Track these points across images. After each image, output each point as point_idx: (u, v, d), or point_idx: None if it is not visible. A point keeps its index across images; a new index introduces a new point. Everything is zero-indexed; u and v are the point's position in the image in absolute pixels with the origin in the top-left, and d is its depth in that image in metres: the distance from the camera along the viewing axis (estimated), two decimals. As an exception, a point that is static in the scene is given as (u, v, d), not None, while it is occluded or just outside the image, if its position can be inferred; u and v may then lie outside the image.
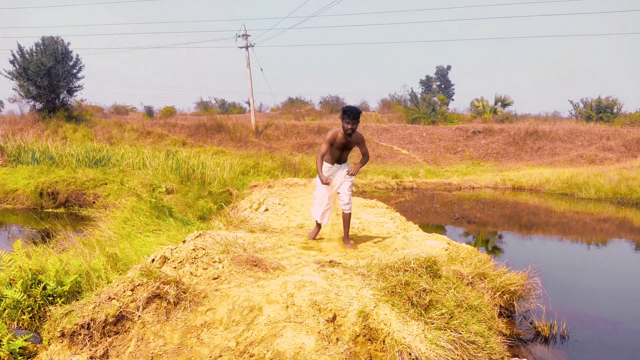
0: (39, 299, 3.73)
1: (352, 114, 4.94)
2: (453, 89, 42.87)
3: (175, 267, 4.18)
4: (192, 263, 4.23)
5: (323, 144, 5.17)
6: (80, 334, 3.22)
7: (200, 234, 4.85)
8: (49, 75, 25.32)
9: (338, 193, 5.36)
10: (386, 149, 26.42)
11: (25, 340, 3.31)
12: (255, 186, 12.18)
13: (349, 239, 5.48)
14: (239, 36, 28.41)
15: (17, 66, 25.42)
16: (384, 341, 3.18)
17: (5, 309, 3.61)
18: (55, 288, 3.83)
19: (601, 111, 32.37)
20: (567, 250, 8.69)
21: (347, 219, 5.41)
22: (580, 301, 5.54)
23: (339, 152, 5.25)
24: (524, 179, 17.52)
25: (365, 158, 5.39)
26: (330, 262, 4.36)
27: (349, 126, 4.97)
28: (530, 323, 4.70)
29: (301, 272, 4.07)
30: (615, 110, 32.43)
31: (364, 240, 5.72)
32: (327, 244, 5.47)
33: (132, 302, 3.40)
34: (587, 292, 5.85)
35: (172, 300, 3.43)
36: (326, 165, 5.33)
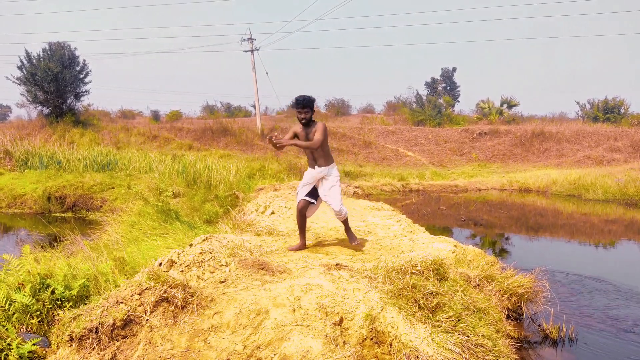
0: (48, 303, 3.76)
1: (301, 103, 4.88)
2: (458, 91, 42.80)
3: (182, 271, 4.19)
4: (199, 267, 4.25)
5: (286, 134, 5.03)
6: (88, 338, 3.24)
7: (206, 237, 4.87)
8: (56, 81, 25.48)
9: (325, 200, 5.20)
10: (392, 151, 26.38)
11: (34, 344, 3.33)
12: (261, 189, 12.20)
13: (353, 236, 5.46)
14: (244, 40, 28.47)
15: (25, 72, 25.60)
16: (391, 344, 3.17)
17: (14, 313, 3.64)
18: (63, 292, 3.86)
19: (608, 112, 32.20)
20: (575, 252, 8.63)
21: (344, 222, 5.36)
22: (588, 304, 5.50)
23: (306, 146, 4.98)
24: (530, 180, 17.42)
25: (312, 142, 4.88)
26: (336, 265, 4.36)
27: (302, 115, 4.91)
28: (539, 326, 4.67)
29: (308, 275, 4.07)
30: (622, 111, 32.27)
31: (370, 243, 5.71)
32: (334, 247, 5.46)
33: (139, 306, 3.42)
34: (596, 295, 5.80)
35: (179, 304, 3.44)
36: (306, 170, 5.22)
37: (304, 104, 4.88)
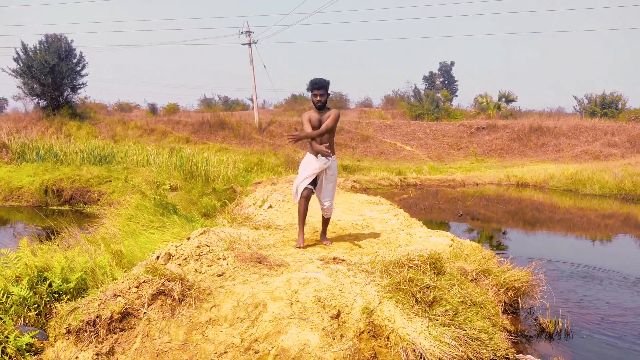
0: (45, 296, 3.76)
1: (316, 84, 4.83)
2: (457, 85, 42.87)
3: (179, 264, 4.19)
4: (197, 260, 4.25)
5: (304, 127, 4.88)
6: (86, 331, 3.24)
7: (204, 231, 4.87)
8: (52, 73, 25.34)
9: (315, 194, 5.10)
10: (390, 145, 26.38)
11: (31, 337, 3.33)
12: (258, 183, 12.20)
13: (326, 236, 5.41)
14: (242, 33, 28.32)
15: (21, 64, 25.43)
16: (388, 337, 3.18)
17: (11, 306, 3.64)
18: (60, 285, 3.86)
19: (605, 107, 32.22)
20: (571, 246, 8.67)
21: (326, 222, 5.34)
22: (585, 298, 5.53)
23: (319, 138, 4.90)
24: (528, 175, 17.46)
25: (321, 130, 4.87)
26: (334, 258, 4.37)
27: (317, 98, 4.84)
28: (535, 319, 4.69)
29: (305, 268, 4.08)
30: (619, 106, 32.28)
31: (367, 237, 5.72)
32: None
33: (137, 299, 3.42)
34: (593, 289, 5.84)
35: (177, 297, 3.44)
36: (309, 157, 5.00)
37: (320, 85, 4.83)
